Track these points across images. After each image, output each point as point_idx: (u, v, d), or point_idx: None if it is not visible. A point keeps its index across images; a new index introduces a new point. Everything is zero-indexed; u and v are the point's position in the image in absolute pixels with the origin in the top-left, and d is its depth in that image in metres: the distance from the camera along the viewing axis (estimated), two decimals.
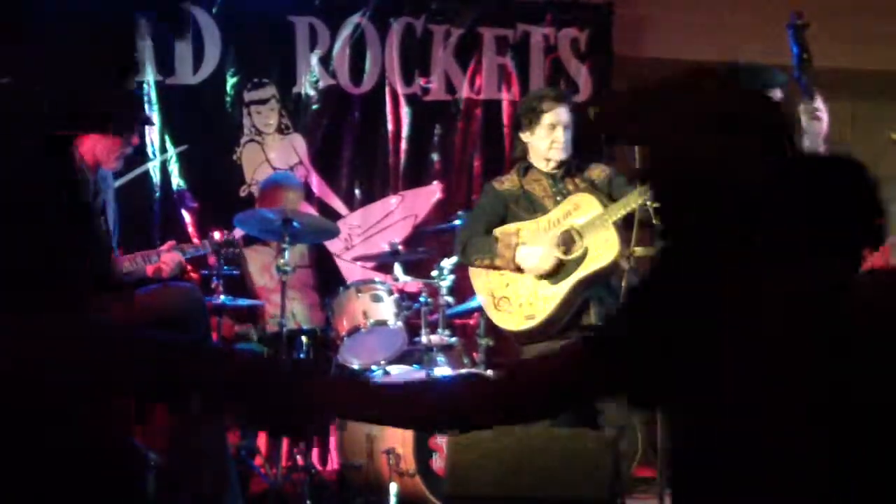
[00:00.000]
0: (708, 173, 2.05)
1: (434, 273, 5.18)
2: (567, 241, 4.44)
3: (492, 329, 5.17)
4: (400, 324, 5.12)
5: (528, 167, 4.62)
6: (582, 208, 4.45)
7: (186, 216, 5.96)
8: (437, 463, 4.61)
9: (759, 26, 6.44)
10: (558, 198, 4.53)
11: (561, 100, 4.64)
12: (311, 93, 6.25)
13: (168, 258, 4.47)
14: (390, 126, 6.37)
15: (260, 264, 5.45)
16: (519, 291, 4.47)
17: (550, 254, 4.42)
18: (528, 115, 4.63)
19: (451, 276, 5.17)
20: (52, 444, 1.75)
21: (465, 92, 6.49)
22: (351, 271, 6.11)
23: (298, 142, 6.27)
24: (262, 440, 5.07)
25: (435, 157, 6.47)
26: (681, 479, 2.15)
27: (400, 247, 5.49)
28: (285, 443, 4.76)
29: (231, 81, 6.09)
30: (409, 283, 5.38)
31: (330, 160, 6.31)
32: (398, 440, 4.63)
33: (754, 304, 1.99)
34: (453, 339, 5.19)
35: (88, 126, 2.01)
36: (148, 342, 1.80)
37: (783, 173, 2.13)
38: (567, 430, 4.05)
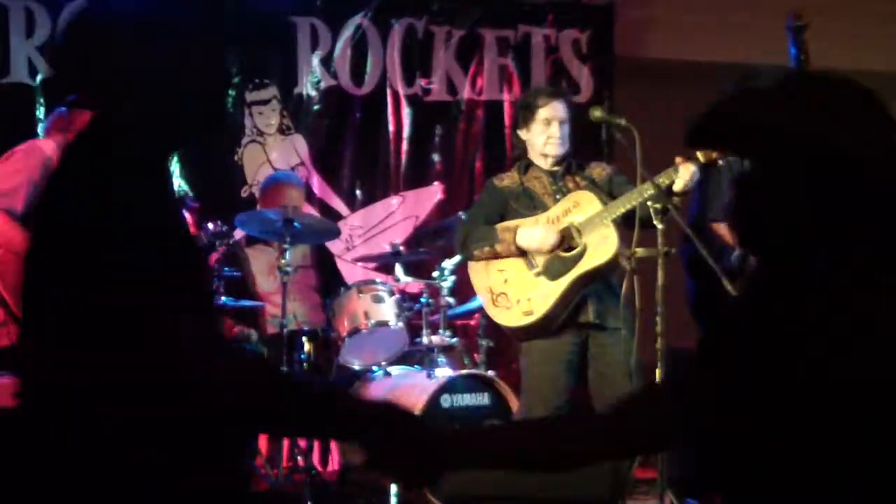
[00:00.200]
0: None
1: (435, 274, 5.18)
2: (566, 238, 4.44)
3: (493, 330, 5.17)
4: (401, 324, 5.12)
5: (529, 165, 4.62)
6: (581, 206, 4.45)
7: (187, 216, 5.95)
8: None
9: (760, 26, 6.45)
10: (558, 195, 4.53)
11: (556, 95, 4.64)
12: (313, 93, 6.26)
13: None
14: (391, 127, 6.37)
15: (264, 265, 5.45)
16: (517, 288, 4.47)
17: (551, 231, 4.41)
18: (523, 112, 4.64)
19: (453, 277, 5.17)
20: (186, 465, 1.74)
21: (466, 93, 6.49)
22: (352, 272, 6.11)
23: (300, 142, 6.27)
24: (262, 441, 5.07)
25: (436, 157, 6.47)
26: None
27: (401, 247, 5.49)
28: (286, 444, 4.75)
29: (232, 82, 6.09)
30: (411, 283, 5.38)
31: (331, 161, 6.31)
32: None
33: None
34: (454, 340, 5.19)
35: (178, 145, 2.02)
36: (289, 381, 1.83)
37: None
38: None
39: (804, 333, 2.33)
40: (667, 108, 6.16)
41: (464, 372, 4.98)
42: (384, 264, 5.90)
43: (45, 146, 4.35)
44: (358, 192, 6.36)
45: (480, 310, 4.96)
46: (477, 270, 4.59)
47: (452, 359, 5.23)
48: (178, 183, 5.97)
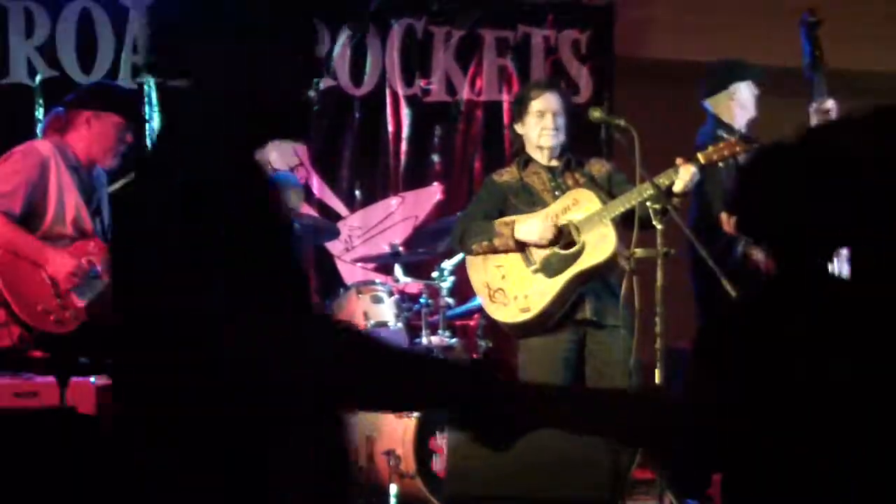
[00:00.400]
0: None
1: (434, 274, 5.17)
2: (564, 236, 4.44)
3: (492, 330, 5.17)
4: (400, 325, 5.12)
5: (528, 160, 4.62)
6: (580, 204, 4.45)
7: None
8: (437, 464, 4.61)
9: (760, 27, 6.45)
10: (557, 192, 4.53)
11: (548, 87, 4.63)
12: (312, 94, 6.23)
13: None
14: (391, 127, 6.37)
15: None
16: (514, 284, 4.47)
17: (548, 223, 4.40)
18: (517, 106, 4.65)
19: (452, 278, 5.17)
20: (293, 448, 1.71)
21: (465, 93, 6.49)
22: (351, 272, 6.11)
23: (299, 143, 6.27)
24: None
25: (435, 158, 6.47)
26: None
27: (400, 248, 5.49)
28: None
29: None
30: (410, 284, 5.38)
31: (330, 161, 6.31)
32: (398, 441, 4.63)
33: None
34: (454, 341, 5.19)
35: (269, 130, 1.97)
36: (383, 350, 1.81)
37: None
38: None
39: (804, 333, 2.34)
40: (666, 109, 6.17)
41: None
42: (383, 265, 5.89)
43: (43, 147, 4.35)
44: (357, 192, 6.36)
45: (480, 310, 4.96)
46: (474, 266, 4.59)
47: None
48: None
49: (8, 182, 4.22)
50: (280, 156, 6.22)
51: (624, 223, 4.40)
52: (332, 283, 5.57)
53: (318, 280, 5.63)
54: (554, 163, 4.60)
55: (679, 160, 4.32)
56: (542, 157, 4.59)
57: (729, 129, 4.84)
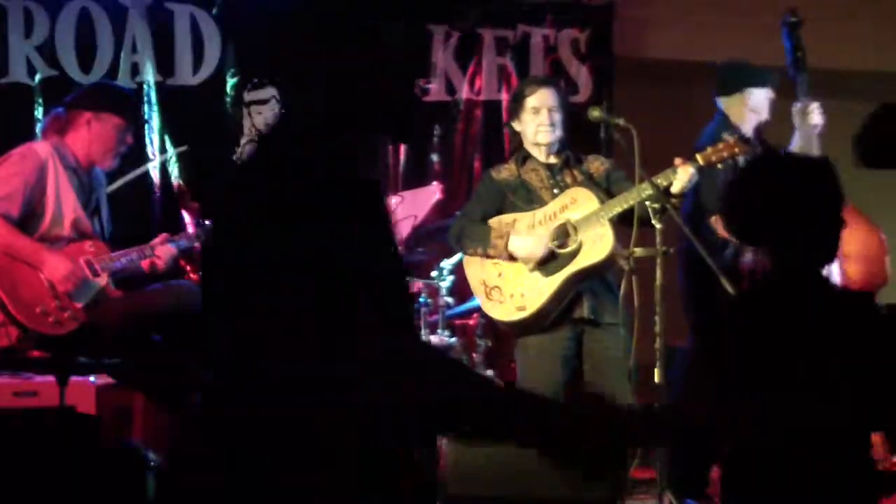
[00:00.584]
0: None
1: (434, 273, 5.17)
2: (562, 234, 4.44)
3: (491, 330, 5.17)
4: None
5: (526, 157, 4.62)
6: (578, 203, 4.45)
7: (186, 216, 5.95)
8: None
9: (760, 27, 6.44)
10: (555, 190, 4.53)
11: (543, 83, 4.64)
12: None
13: (162, 252, 4.45)
14: None
15: None
16: (511, 282, 4.47)
17: (542, 242, 4.41)
18: (513, 104, 4.66)
19: (451, 277, 5.17)
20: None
21: (465, 93, 6.48)
22: None
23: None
24: None
25: (435, 157, 6.46)
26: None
27: (400, 247, 5.48)
28: None
29: (231, 82, 6.09)
30: (409, 283, 5.38)
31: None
32: None
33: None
34: (453, 340, 5.19)
35: (384, 131, 1.92)
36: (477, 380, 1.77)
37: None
38: None
39: (802, 334, 2.35)
40: (666, 109, 6.17)
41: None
42: None
43: (42, 149, 4.34)
44: None
45: (479, 309, 4.95)
46: (471, 264, 4.60)
47: None
48: (178, 183, 5.97)
49: (6, 185, 4.21)
50: None
51: (622, 222, 4.40)
52: None
53: None
54: (552, 160, 4.60)
55: (677, 161, 4.32)
56: (540, 154, 4.60)
57: (735, 130, 4.85)
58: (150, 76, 5.90)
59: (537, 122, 4.54)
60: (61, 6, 5.75)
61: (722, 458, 2.39)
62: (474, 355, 5.27)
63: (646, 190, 4.24)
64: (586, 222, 4.40)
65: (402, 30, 1.53)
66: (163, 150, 5.95)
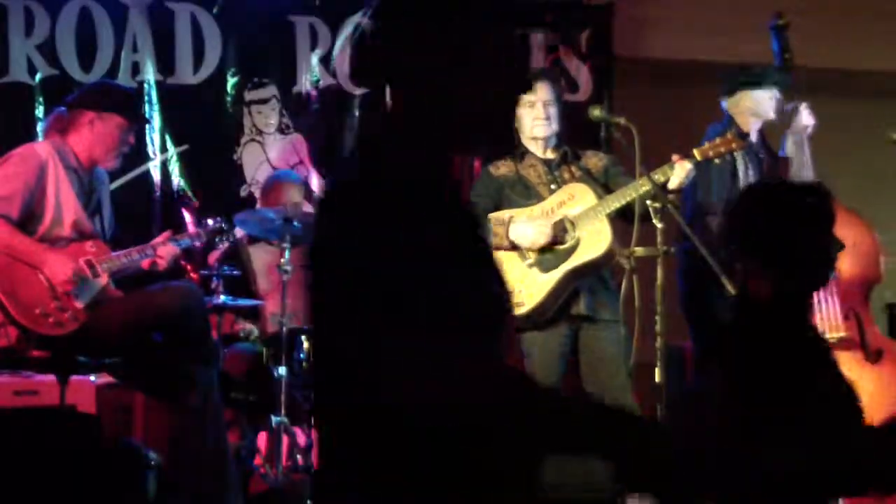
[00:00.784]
0: None
1: None
2: (560, 230, 4.45)
3: None
4: None
5: (525, 152, 4.62)
6: (576, 198, 4.46)
7: (187, 215, 5.96)
8: None
9: (760, 27, 6.44)
10: (553, 185, 4.53)
11: (538, 77, 4.64)
12: (312, 92, 6.25)
13: (164, 252, 4.45)
14: None
15: (265, 263, 5.45)
16: (508, 278, 4.46)
17: (545, 230, 4.41)
18: None
19: None
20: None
21: None
22: None
23: (299, 141, 6.27)
24: (262, 440, 5.06)
25: None
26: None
27: None
28: (285, 443, 4.75)
29: (231, 81, 6.09)
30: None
31: (331, 160, 6.30)
32: None
33: None
34: None
35: (470, 141, 1.86)
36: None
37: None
38: None
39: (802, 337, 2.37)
40: (666, 108, 6.17)
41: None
42: None
43: (42, 150, 4.34)
44: None
45: None
46: None
47: None
48: (178, 182, 5.97)
49: (6, 186, 4.21)
50: (280, 153, 6.22)
51: (620, 219, 4.41)
52: None
53: None
54: (550, 155, 4.60)
55: (675, 157, 4.34)
56: (537, 149, 4.60)
57: (739, 131, 4.87)
58: (150, 75, 5.90)
59: (533, 116, 4.54)
60: (62, 5, 5.75)
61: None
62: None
63: (643, 186, 4.24)
64: (584, 218, 4.40)
65: (506, 39, 1.50)
66: (163, 149, 5.95)
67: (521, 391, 1.60)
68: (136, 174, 5.82)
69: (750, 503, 2.18)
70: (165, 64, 5.94)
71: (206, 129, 6.06)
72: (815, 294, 4.49)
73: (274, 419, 4.71)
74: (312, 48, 6.23)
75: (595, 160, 4.64)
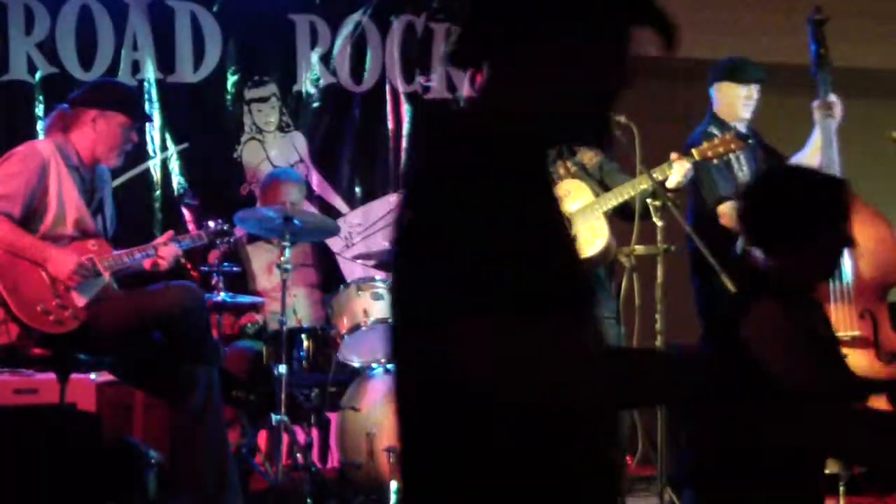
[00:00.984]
0: None
1: None
2: None
3: None
4: None
5: None
6: (573, 195, 4.46)
7: (186, 214, 5.95)
8: None
9: (763, 25, 6.45)
10: None
11: None
12: (312, 91, 6.25)
13: (165, 252, 4.44)
14: (391, 124, 6.36)
15: (264, 262, 5.45)
16: None
17: None
18: None
19: None
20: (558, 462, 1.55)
21: (465, 90, 6.48)
22: (351, 269, 6.11)
23: (299, 140, 6.27)
24: (262, 438, 5.07)
25: None
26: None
27: None
28: (285, 441, 4.75)
29: (232, 79, 6.09)
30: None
31: (330, 158, 6.31)
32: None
33: None
34: None
35: (573, 134, 1.82)
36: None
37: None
38: None
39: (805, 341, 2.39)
40: (666, 107, 6.16)
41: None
42: (383, 262, 5.88)
43: (44, 149, 4.33)
44: (357, 189, 6.36)
45: None
46: None
47: None
48: (178, 180, 5.97)
49: (8, 184, 4.21)
50: (280, 152, 6.22)
51: (618, 216, 4.41)
52: (332, 279, 5.56)
53: (320, 277, 5.63)
54: None
55: (673, 155, 4.34)
56: None
57: (721, 125, 4.85)
58: (150, 73, 5.91)
59: None
60: (62, 3, 5.75)
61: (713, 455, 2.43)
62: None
63: (641, 184, 4.24)
64: (581, 215, 4.40)
65: (612, 31, 1.47)
66: (163, 147, 5.95)
67: (607, 368, 1.58)
68: (136, 172, 5.82)
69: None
70: (165, 62, 5.95)
71: (207, 127, 6.06)
72: (831, 289, 4.50)
73: (274, 417, 4.71)
74: (313, 46, 6.23)
75: (590, 155, 4.64)
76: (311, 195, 6.15)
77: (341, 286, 5.21)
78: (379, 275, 5.73)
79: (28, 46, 5.72)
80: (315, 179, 6.26)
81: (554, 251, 1.63)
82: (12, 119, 5.68)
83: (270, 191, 5.52)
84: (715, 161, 4.48)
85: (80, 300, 4.22)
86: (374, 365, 5.12)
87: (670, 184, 4.29)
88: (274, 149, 6.21)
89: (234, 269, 5.15)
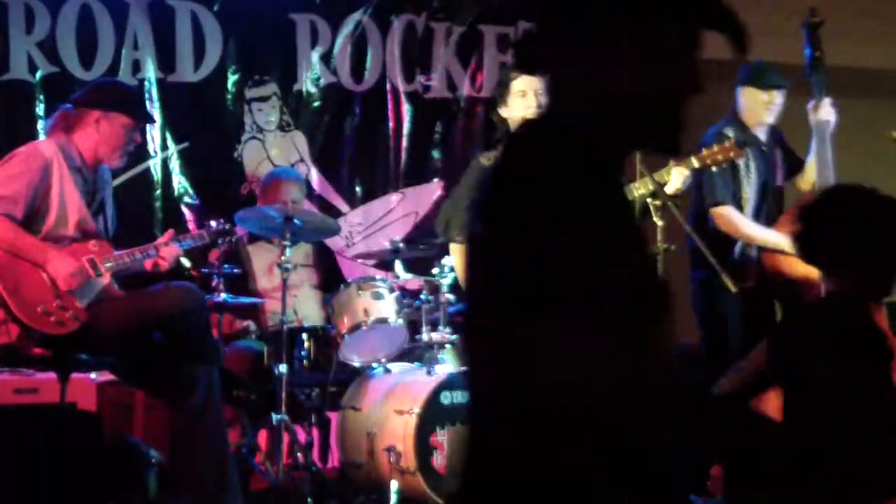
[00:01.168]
0: None
1: (435, 270, 5.17)
2: None
3: None
4: (401, 321, 5.11)
5: None
6: None
7: (187, 213, 5.96)
8: (438, 460, 4.61)
9: (766, 25, 6.42)
10: None
11: None
12: (313, 90, 6.25)
13: (166, 252, 4.44)
14: (391, 123, 6.36)
15: (265, 262, 5.45)
16: None
17: None
18: (499, 89, 4.64)
19: (453, 274, 5.16)
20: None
21: (466, 90, 6.48)
22: (352, 269, 6.11)
23: (300, 139, 6.27)
24: (262, 438, 5.07)
25: (436, 154, 6.47)
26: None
27: (401, 244, 5.48)
28: (286, 440, 4.76)
29: (232, 79, 6.09)
30: (411, 280, 5.38)
31: (331, 158, 6.31)
32: (399, 438, 4.63)
33: None
34: (455, 337, 5.19)
35: (639, 139, 1.79)
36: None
37: None
38: None
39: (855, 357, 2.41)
40: None
41: (464, 368, 4.96)
42: (384, 261, 5.89)
43: (47, 149, 4.33)
44: (357, 188, 6.36)
45: None
46: (458, 252, 4.60)
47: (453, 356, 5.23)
48: (178, 179, 5.97)
49: (10, 185, 4.20)
50: (280, 151, 6.22)
51: None
52: (333, 279, 5.56)
53: (320, 277, 5.63)
54: None
55: (672, 162, 4.36)
56: None
57: (739, 126, 4.88)
58: (151, 73, 5.90)
59: (525, 106, 4.51)
60: (62, 3, 5.74)
61: (724, 457, 2.42)
62: None
63: (639, 189, 4.25)
64: None
65: (676, 33, 1.45)
66: (164, 147, 5.95)
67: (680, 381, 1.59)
68: (137, 172, 5.82)
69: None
70: (166, 61, 5.94)
71: (207, 126, 6.06)
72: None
73: (275, 417, 4.71)
74: (313, 46, 6.23)
75: None
76: (311, 194, 6.15)
77: (342, 286, 5.21)
78: (379, 274, 5.74)
79: (28, 46, 5.71)
80: (315, 179, 6.26)
81: (632, 254, 1.62)
82: (13, 118, 5.67)
83: (271, 190, 5.52)
84: (714, 168, 4.52)
85: (81, 301, 4.22)
86: (374, 364, 5.12)
87: (669, 189, 4.30)
88: (274, 148, 6.21)
89: (235, 270, 5.15)
